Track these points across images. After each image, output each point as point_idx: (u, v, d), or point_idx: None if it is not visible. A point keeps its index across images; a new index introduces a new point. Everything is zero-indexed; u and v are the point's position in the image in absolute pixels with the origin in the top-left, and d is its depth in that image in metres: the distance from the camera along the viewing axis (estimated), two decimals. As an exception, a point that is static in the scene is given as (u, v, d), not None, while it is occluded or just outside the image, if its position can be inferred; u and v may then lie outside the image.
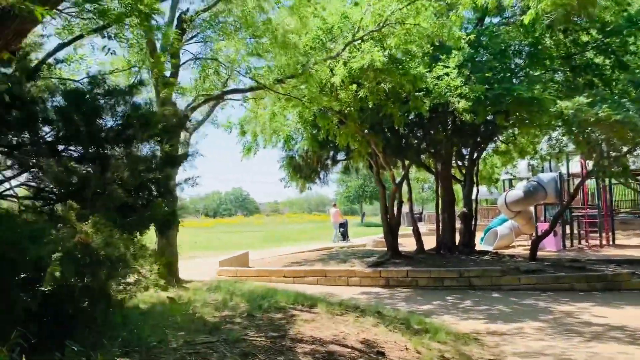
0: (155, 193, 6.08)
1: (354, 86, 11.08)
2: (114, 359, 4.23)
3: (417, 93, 11.14)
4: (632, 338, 7.20)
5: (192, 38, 10.10)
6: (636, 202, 24.21)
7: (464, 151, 16.34)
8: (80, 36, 6.79)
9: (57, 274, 3.25)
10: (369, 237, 25.64)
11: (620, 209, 23.15)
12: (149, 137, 5.21)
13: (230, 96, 11.58)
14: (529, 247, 15.22)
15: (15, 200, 5.34)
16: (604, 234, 19.35)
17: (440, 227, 15.65)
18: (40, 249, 3.38)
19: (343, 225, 25.61)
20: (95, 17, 5.62)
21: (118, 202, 4.44)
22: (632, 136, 10.83)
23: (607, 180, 18.80)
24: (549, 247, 17.71)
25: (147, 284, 5.51)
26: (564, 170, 19.56)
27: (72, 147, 5.66)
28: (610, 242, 19.44)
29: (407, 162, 15.68)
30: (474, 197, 16.07)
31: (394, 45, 10.15)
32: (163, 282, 9.29)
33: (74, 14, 5.84)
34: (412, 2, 9.74)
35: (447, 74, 11.06)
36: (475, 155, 15.93)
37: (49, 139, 5.77)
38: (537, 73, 12.20)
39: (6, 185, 5.63)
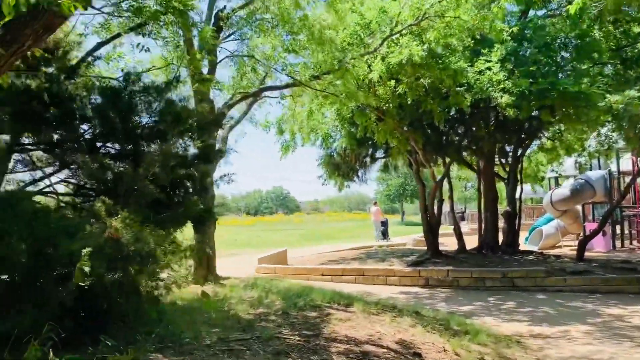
0: (190, 190, 6.12)
1: (392, 82, 10.88)
2: (146, 354, 4.25)
3: (458, 88, 10.86)
4: (688, 344, 6.78)
5: (229, 36, 10.14)
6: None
7: (508, 148, 15.90)
8: (118, 35, 6.90)
9: (87, 269, 3.25)
10: (409, 236, 25.31)
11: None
12: (179, 132, 5.21)
13: (267, 94, 11.60)
14: (576, 247, 14.65)
15: (55, 196, 5.45)
16: (657, 235, 18.48)
17: (483, 226, 15.27)
18: (71, 245, 3.39)
19: (384, 224, 25.44)
20: (131, 15, 5.68)
21: (149, 198, 4.44)
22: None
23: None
24: (598, 248, 17.07)
25: (181, 280, 5.52)
26: (613, 167, 18.77)
27: (109, 144, 5.75)
28: (664, 243, 18.53)
29: (447, 160, 15.32)
30: (517, 195, 15.58)
31: (433, 40, 9.89)
32: (199, 278, 9.43)
33: (111, 12, 5.92)
34: (451, -6, 9.48)
35: (489, 69, 10.75)
36: (519, 152, 15.49)
37: (88, 137, 5.89)
38: (585, 66, 11.67)
39: (46, 182, 5.77)
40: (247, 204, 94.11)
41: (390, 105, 11.52)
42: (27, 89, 5.26)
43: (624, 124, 10.76)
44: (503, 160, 16.37)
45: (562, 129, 14.64)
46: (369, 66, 10.58)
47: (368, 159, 17.10)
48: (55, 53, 5.55)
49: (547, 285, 11.17)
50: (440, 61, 10.43)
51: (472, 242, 15.65)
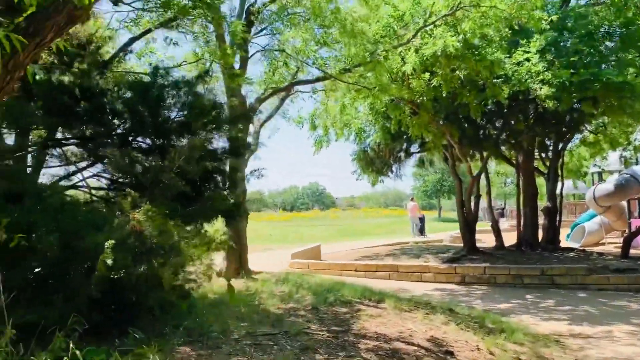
0: (220, 184, 6.11)
1: (427, 74, 10.66)
2: (173, 347, 4.26)
3: (495, 80, 10.58)
4: None
5: (260, 31, 10.14)
6: None
7: (548, 142, 15.44)
8: (149, 30, 6.96)
9: (109, 261, 3.26)
10: (446, 232, 24.97)
11: None
12: (206, 125, 5.19)
13: (299, 88, 11.53)
14: (621, 244, 14.08)
15: (87, 190, 5.53)
16: None
17: (522, 223, 14.88)
18: (96, 237, 3.41)
19: (421, 220, 25.25)
20: (160, 9, 5.70)
21: (175, 191, 4.44)
22: None
23: None
24: (644, 245, 16.34)
25: (211, 274, 5.52)
26: (661, 161, 18.03)
27: (139, 139, 5.79)
28: None
29: (485, 154, 14.94)
30: (558, 191, 15.09)
31: (468, 30, 9.62)
32: (231, 272, 9.47)
33: (141, 7, 5.95)
34: (488, -18, 9.19)
35: (527, 59, 10.41)
36: (560, 146, 15.01)
37: (120, 131, 5.95)
38: (631, 56, 11.17)
39: (80, 176, 5.86)
40: (284, 200, 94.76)
41: (425, 98, 11.29)
42: (61, 84, 5.35)
43: (673, 116, 10.26)
44: (543, 155, 15.90)
45: (606, 121, 14.12)
46: (402, 58, 10.39)
47: (402, 154, 16.89)
48: (88, 48, 5.63)
49: (588, 284, 10.78)
50: (476, 52, 10.18)
51: (511, 238, 15.24)
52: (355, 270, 12.95)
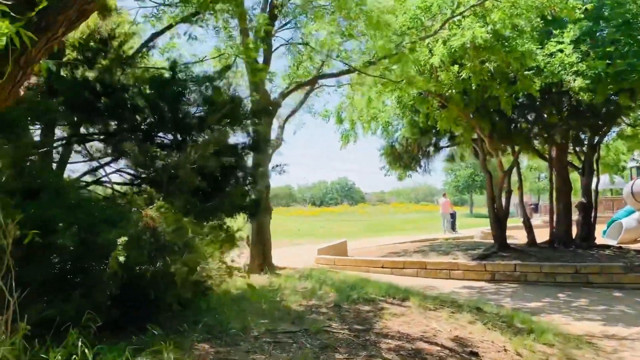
0: (241, 180, 6.06)
1: (456, 67, 10.41)
2: (191, 344, 4.23)
3: (526, 72, 10.28)
4: None
5: (284, 25, 10.06)
6: None
7: (582, 136, 14.96)
8: (170, 26, 6.95)
9: (122, 258, 3.23)
10: (477, 228, 24.51)
11: None
12: (220, 120, 5.14)
13: (324, 82, 11.42)
14: (660, 242, 13.59)
15: (109, 186, 5.55)
16: None
17: (555, 219, 14.46)
18: (109, 234, 3.39)
19: (452, 216, 24.95)
20: (181, 4, 5.67)
21: (191, 187, 4.40)
22: None
23: None
24: (685, 243, 15.75)
25: (233, 270, 5.48)
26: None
27: (161, 134, 5.78)
28: None
29: (516, 148, 14.57)
30: (593, 186, 14.62)
31: (498, 20, 9.34)
32: (255, 268, 9.45)
33: (162, 2, 5.94)
34: (518, -29, 8.91)
35: (560, 50, 10.10)
36: (596, 140, 14.55)
37: (144, 127, 5.95)
38: (671, 46, 10.69)
39: (103, 172, 5.89)
40: (313, 194, 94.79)
41: (454, 91, 11.06)
42: (83, 79, 5.38)
43: None
44: (577, 149, 15.40)
45: (645, 114, 13.57)
46: (430, 50, 10.17)
47: (431, 149, 16.62)
48: (109, 44, 5.64)
49: (625, 283, 10.36)
50: (506, 43, 9.88)
51: (544, 235, 14.85)
52: (382, 267, 12.79)
